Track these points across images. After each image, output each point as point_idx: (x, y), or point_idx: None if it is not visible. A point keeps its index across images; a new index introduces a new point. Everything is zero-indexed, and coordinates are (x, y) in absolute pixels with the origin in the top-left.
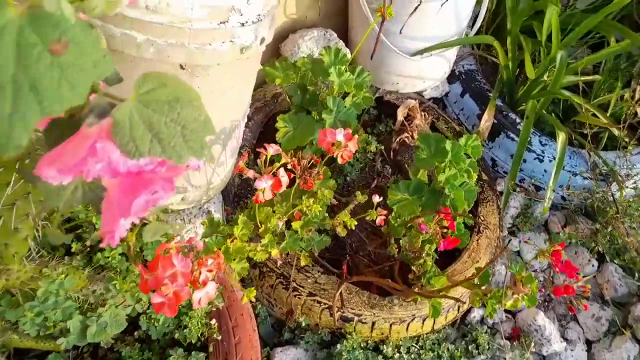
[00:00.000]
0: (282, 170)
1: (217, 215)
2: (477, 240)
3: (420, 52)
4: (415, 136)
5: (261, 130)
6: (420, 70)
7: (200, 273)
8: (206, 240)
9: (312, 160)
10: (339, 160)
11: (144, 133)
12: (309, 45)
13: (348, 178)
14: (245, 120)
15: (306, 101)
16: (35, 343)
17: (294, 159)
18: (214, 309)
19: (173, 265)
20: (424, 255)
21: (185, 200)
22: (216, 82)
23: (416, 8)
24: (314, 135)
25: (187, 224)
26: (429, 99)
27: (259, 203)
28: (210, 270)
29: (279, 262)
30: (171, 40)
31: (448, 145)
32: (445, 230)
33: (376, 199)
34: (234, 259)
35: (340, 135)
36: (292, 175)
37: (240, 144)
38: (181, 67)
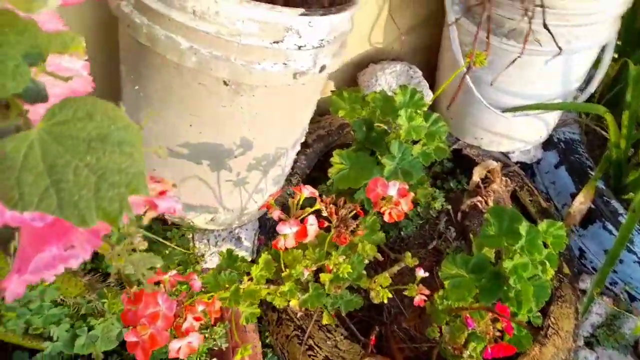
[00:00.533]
0: (312, 217)
1: (247, 244)
2: (541, 348)
3: (514, 109)
4: (490, 202)
5: (319, 160)
6: (510, 128)
7: (185, 319)
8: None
9: (354, 211)
10: (386, 218)
11: (40, 178)
12: (389, 79)
13: (403, 233)
14: (297, 148)
15: (371, 140)
16: (22, 340)
17: (331, 206)
18: (216, 348)
19: (157, 304)
20: (466, 355)
21: (214, 221)
22: (262, 104)
23: (515, 60)
24: (369, 178)
25: (212, 247)
26: (516, 163)
27: (278, 249)
28: (198, 319)
29: (299, 313)
30: (216, 52)
31: (523, 228)
32: (499, 333)
33: (420, 273)
34: (244, 302)
35: (393, 189)
36: (326, 224)
37: (287, 172)
38: (224, 83)
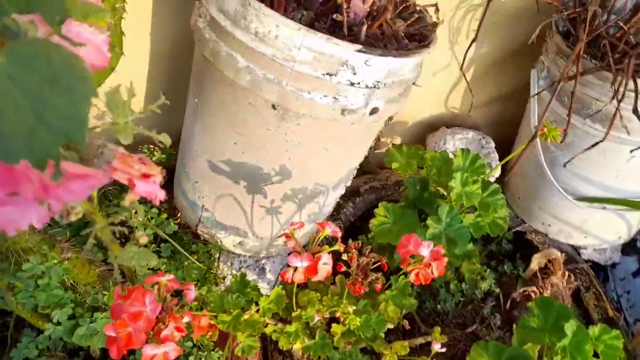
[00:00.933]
0: (326, 256)
1: (270, 277)
2: None
3: (590, 199)
4: (546, 295)
5: (367, 211)
6: (584, 220)
7: (166, 326)
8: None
9: (379, 263)
10: (412, 278)
11: None
12: (457, 144)
13: (440, 306)
14: (340, 190)
15: (422, 200)
16: (29, 317)
17: (353, 251)
18: None
19: (143, 303)
20: None
21: (242, 246)
22: (306, 135)
23: (595, 144)
24: None
25: (235, 271)
26: (586, 261)
27: (285, 281)
28: (179, 330)
29: None
30: (270, 74)
31: (570, 327)
32: None
33: (437, 347)
34: (244, 332)
35: (426, 249)
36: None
37: (326, 213)
38: (273, 106)
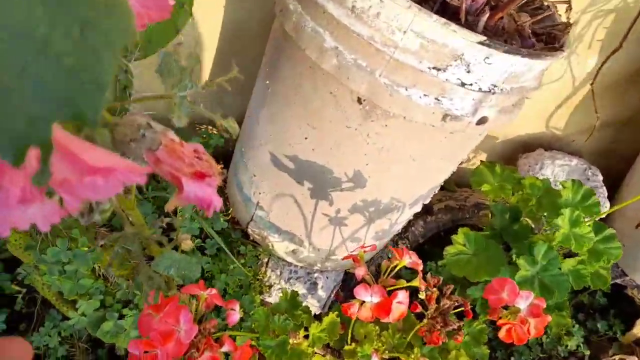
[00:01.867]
0: (403, 294)
1: (322, 294)
2: None
3: None
4: None
5: (439, 233)
6: None
7: (200, 353)
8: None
9: (462, 309)
10: (501, 335)
11: None
12: (557, 172)
13: (514, 358)
14: (416, 208)
15: (510, 232)
16: (55, 300)
17: (434, 289)
18: None
19: (177, 321)
20: None
21: (295, 255)
22: (393, 140)
23: None
24: (494, 276)
25: (284, 282)
26: None
27: (347, 315)
28: (214, 359)
29: None
30: (361, 61)
31: None
32: None
33: None
34: None
35: (524, 301)
36: (420, 309)
37: (395, 231)
38: (358, 100)
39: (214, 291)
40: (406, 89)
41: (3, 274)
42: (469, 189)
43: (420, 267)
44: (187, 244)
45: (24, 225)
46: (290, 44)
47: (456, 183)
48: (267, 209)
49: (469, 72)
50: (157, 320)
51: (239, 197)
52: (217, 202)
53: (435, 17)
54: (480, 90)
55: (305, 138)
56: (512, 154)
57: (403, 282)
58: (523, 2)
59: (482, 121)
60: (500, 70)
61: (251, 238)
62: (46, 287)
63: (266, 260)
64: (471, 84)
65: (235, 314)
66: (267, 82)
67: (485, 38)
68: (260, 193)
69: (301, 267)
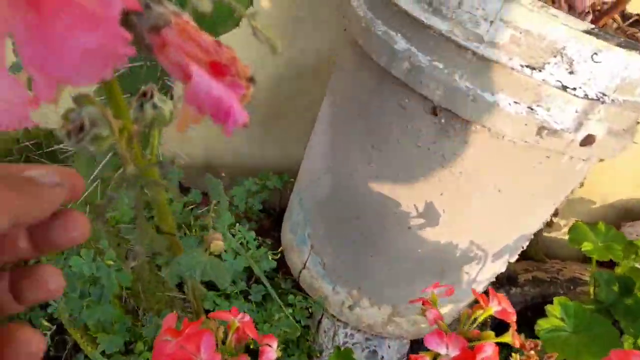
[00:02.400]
0: (491, 348)
1: (385, 355)
2: None
3: None
4: None
5: (525, 309)
6: None
7: None
8: None
9: None
10: None
11: None
12: None
13: None
14: (501, 264)
15: (620, 307)
16: (80, 338)
17: (531, 353)
18: None
19: (197, 348)
20: None
21: (351, 311)
22: (473, 161)
23: None
24: (603, 355)
25: (334, 345)
26: None
27: None
28: None
29: None
30: (438, 62)
31: None
32: None
33: None
34: None
35: None
36: None
37: (473, 281)
38: (433, 111)
39: (247, 318)
40: (492, 94)
41: (38, 310)
42: (561, 261)
43: (514, 319)
44: (218, 244)
45: None
46: (357, 56)
47: (547, 254)
48: (322, 254)
49: (571, 72)
50: (173, 345)
51: (292, 242)
52: (241, 115)
53: (529, 0)
54: (586, 97)
55: (369, 164)
56: (613, 221)
57: (491, 335)
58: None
59: (587, 141)
60: (611, 73)
61: (303, 288)
62: (71, 322)
63: (319, 318)
64: (574, 89)
65: (271, 352)
66: (332, 98)
67: (593, 26)
68: (315, 235)
69: (359, 330)
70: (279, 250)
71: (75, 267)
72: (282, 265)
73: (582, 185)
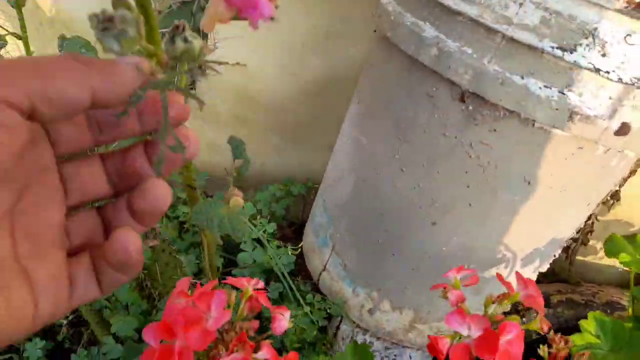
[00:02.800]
0: (516, 330)
1: None
2: None
3: None
4: None
5: (557, 330)
6: None
7: (229, 352)
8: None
9: None
10: None
11: None
12: None
13: None
14: (532, 270)
15: None
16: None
17: (561, 345)
18: None
19: (207, 308)
20: None
21: (371, 315)
22: (501, 151)
23: None
24: None
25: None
26: None
27: (436, 356)
28: None
29: None
30: (467, 47)
31: None
32: None
33: None
34: None
35: None
36: None
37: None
38: (461, 98)
39: (261, 284)
40: (522, 77)
41: None
42: (597, 285)
43: (542, 305)
44: (237, 200)
45: None
46: (386, 50)
47: (582, 278)
48: (343, 254)
49: (604, 55)
50: (184, 303)
51: (313, 244)
52: (267, 7)
53: None
54: (620, 81)
55: (395, 156)
56: None
57: (516, 318)
58: None
59: (622, 130)
60: None
61: (322, 291)
62: (87, 306)
63: (337, 324)
64: (607, 72)
65: (282, 320)
66: (358, 103)
67: (626, 4)
68: (337, 235)
69: (378, 338)
70: (299, 245)
71: None
72: (302, 270)
73: (618, 199)
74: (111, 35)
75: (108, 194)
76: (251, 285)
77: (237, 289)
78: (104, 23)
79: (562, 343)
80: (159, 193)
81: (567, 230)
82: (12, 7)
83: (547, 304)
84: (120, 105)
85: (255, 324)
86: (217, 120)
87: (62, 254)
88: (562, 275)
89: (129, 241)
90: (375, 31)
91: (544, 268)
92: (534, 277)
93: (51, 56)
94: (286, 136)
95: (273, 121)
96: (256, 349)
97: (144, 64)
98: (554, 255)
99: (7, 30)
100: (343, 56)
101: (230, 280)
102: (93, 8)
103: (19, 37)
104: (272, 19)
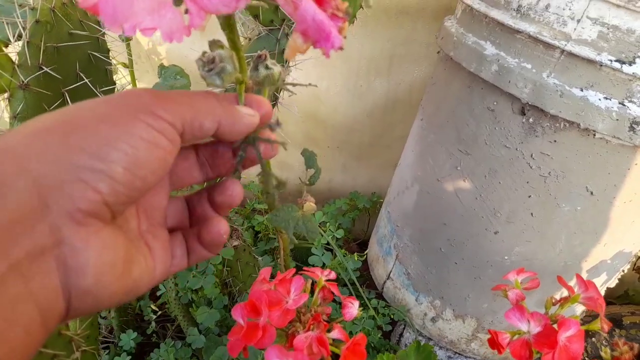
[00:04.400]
0: (576, 326)
1: None
2: None
3: None
4: None
5: None
6: None
7: (306, 330)
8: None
9: None
10: None
11: None
12: None
13: None
14: (601, 281)
15: None
16: (182, 319)
17: (624, 348)
18: None
19: (287, 292)
20: None
21: (434, 324)
22: (562, 162)
23: None
24: None
25: None
26: None
27: (494, 347)
28: (321, 342)
29: None
30: (526, 62)
31: None
32: None
33: None
34: None
35: None
36: None
37: None
38: (522, 111)
39: (333, 275)
40: (581, 90)
41: (147, 299)
42: None
43: (603, 306)
44: (311, 205)
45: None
46: (449, 70)
47: None
48: (407, 263)
49: None
50: (267, 287)
51: (377, 254)
52: (338, 39)
53: None
54: None
55: (457, 168)
56: None
57: (576, 317)
58: None
59: None
60: None
61: (386, 299)
62: (176, 301)
63: (400, 332)
64: None
65: (353, 308)
66: (422, 119)
67: None
68: (401, 245)
69: (441, 347)
70: (364, 253)
71: None
72: (367, 280)
73: None
74: (214, 74)
75: (199, 181)
76: (324, 275)
77: (312, 279)
78: (208, 65)
79: (627, 348)
80: (234, 190)
81: (634, 243)
82: (122, 41)
83: (620, 325)
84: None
85: (328, 309)
86: (289, 140)
87: (166, 231)
88: (637, 298)
89: (223, 228)
90: (438, 52)
91: (612, 283)
92: (602, 291)
93: (197, 92)
94: (352, 154)
95: (340, 140)
96: (329, 330)
97: (264, 105)
98: (622, 270)
99: (117, 61)
100: (404, 79)
101: (306, 270)
102: (185, 44)
103: (125, 66)
104: (341, 49)
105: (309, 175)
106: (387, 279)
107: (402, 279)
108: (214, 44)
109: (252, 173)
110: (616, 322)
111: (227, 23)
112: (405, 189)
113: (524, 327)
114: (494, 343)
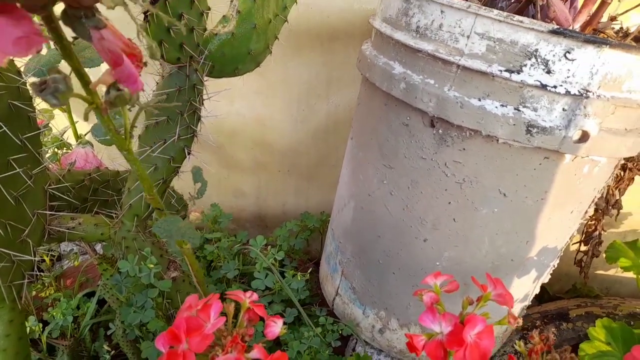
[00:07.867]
0: (482, 323)
1: None
2: None
3: None
4: None
5: (577, 344)
6: None
7: (224, 352)
8: None
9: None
10: None
11: None
12: None
13: None
14: (528, 284)
15: None
16: (132, 355)
17: (536, 340)
18: None
19: (207, 317)
20: None
21: (382, 336)
22: (473, 168)
23: None
24: None
25: None
26: None
27: (411, 351)
28: None
29: None
30: (429, 78)
31: None
32: None
33: None
34: None
35: None
36: None
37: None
38: (431, 123)
39: (255, 297)
40: (479, 100)
41: (102, 340)
42: (619, 298)
43: (512, 302)
44: (196, 215)
45: None
46: (368, 90)
47: (605, 293)
48: (351, 278)
49: (549, 72)
50: (187, 314)
51: (326, 272)
52: (141, 84)
53: (495, 12)
54: (568, 93)
55: (384, 182)
56: None
57: (486, 314)
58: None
59: (582, 138)
60: (588, 69)
61: (337, 315)
62: (124, 339)
63: (352, 346)
64: (555, 87)
65: (274, 326)
66: (352, 138)
67: (557, 26)
68: (344, 260)
69: (392, 358)
70: (308, 272)
71: (123, 268)
72: (321, 297)
73: (620, 208)
74: (49, 93)
75: None
76: (247, 297)
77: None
78: (40, 86)
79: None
80: None
81: (557, 239)
82: None
83: (566, 319)
84: None
85: (251, 330)
86: (241, 169)
87: None
88: (582, 291)
89: None
90: (362, 74)
91: (545, 279)
92: (536, 288)
93: None
94: (302, 176)
95: (289, 164)
96: (248, 350)
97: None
98: (553, 266)
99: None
100: (342, 100)
101: (229, 293)
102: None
103: (47, 112)
104: (142, 90)
105: (196, 188)
106: (336, 295)
107: (349, 293)
108: (52, 70)
109: (205, 202)
110: (563, 316)
111: (66, 54)
112: (344, 206)
113: (436, 328)
114: (411, 346)
